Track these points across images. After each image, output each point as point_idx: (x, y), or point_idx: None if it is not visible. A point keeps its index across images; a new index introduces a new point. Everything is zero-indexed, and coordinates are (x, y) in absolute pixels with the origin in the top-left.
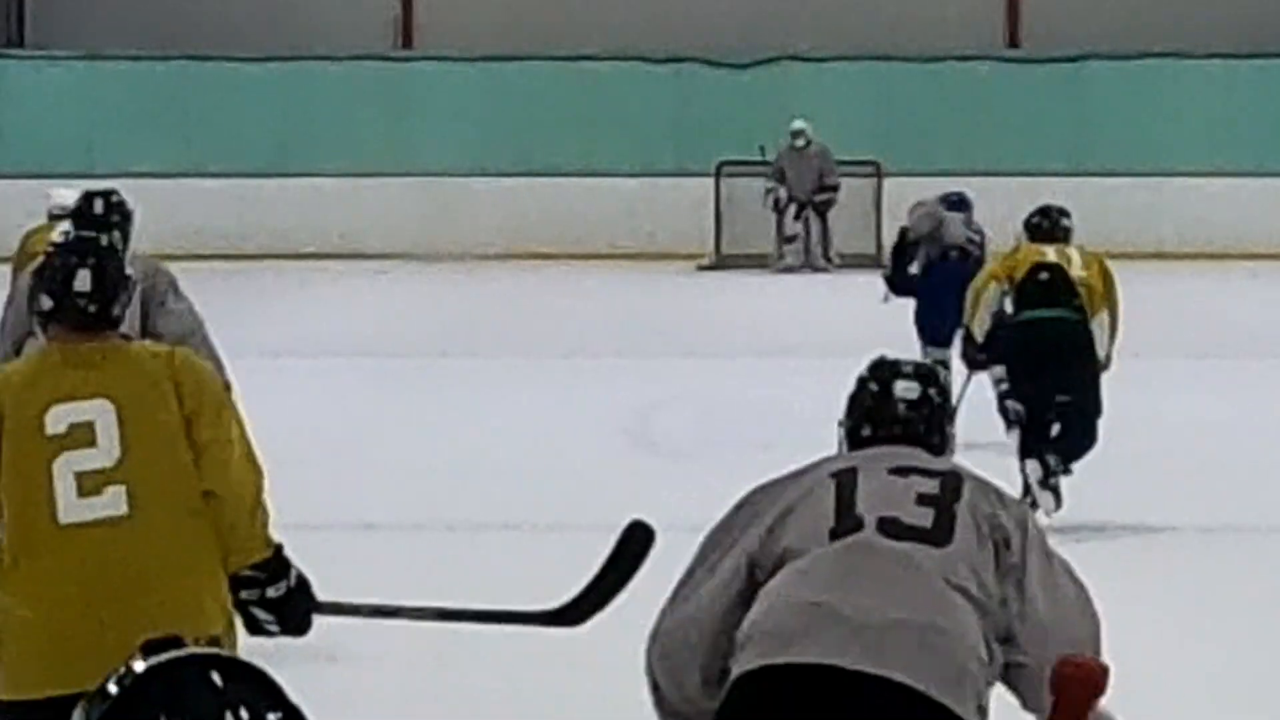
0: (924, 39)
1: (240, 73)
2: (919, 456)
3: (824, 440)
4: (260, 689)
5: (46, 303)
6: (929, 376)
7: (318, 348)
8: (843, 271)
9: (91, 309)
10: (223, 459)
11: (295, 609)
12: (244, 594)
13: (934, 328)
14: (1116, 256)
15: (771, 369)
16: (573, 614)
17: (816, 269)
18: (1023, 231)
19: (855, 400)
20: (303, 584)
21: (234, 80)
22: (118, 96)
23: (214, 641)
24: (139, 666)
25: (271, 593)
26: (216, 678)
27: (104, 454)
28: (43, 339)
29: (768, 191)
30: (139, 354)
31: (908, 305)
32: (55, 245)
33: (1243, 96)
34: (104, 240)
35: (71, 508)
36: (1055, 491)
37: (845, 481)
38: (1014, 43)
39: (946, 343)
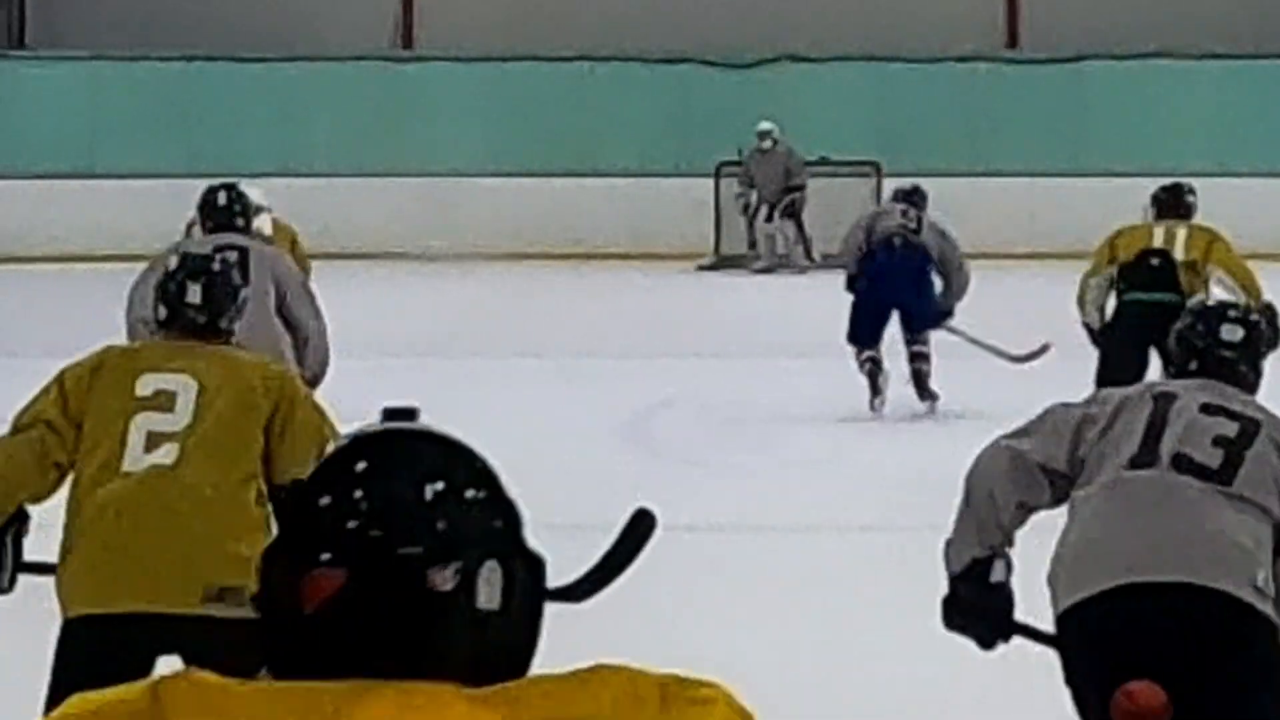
0: (923, 39)
1: (241, 73)
2: (1231, 396)
3: (823, 440)
4: (476, 474)
5: (162, 311)
6: (1250, 321)
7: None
8: (831, 271)
9: (201, 320)
10: (310, 435)
11: None
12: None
13: (874, 309)
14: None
15: (771, 369)
16: (577, 591)
17: (795, 269)
18: (1149, 204)
19: (1182, 338)
20: None
21: (234, 81)
22: (119, 97)
23: (220, 594)
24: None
25: None
26: (428, 450)
27: (175, 420)
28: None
29: (738, 196)
30: (242, 359)
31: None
32: (173, 260)
33: (1242, 97)
34: (217, 261)
35: (134, 460)
36: None
37: (1160, 408)
38: (1013, 43)
39: (873, 342)
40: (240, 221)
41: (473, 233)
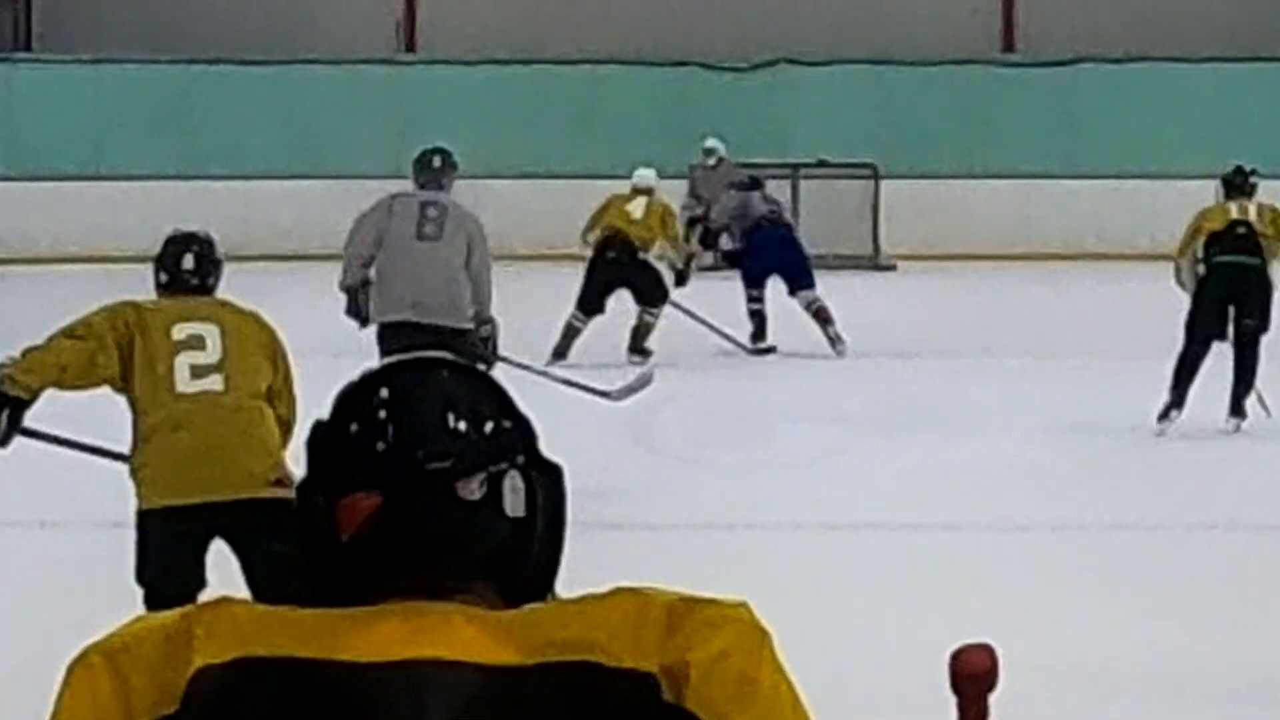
0: (920, 43)
1: (244, 76)
2: None
3: (821, 438)
4: (489, 394)
5: (163, 277)
6: None
7: (320, 347)
8: (840, 272)
9: (194, 282)
10: (288, 390)
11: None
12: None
13: (760, 272)
14: (1110, 258)
15: (770, 368)
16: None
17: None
18: (1219, 185)
19: None
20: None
21: (238, 83)
22: (124, 100)
23: (281, 481)
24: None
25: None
26: (445, 375)
27: (209, 355)
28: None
29: (683, 208)
30: (238, 306)
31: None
32: (168, 238)
33: (1234, 100)
34: (202, 233)
35: (185, 384)
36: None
37: None
38: (1009, 47)
39: (761, 283)
40: (445, 181)
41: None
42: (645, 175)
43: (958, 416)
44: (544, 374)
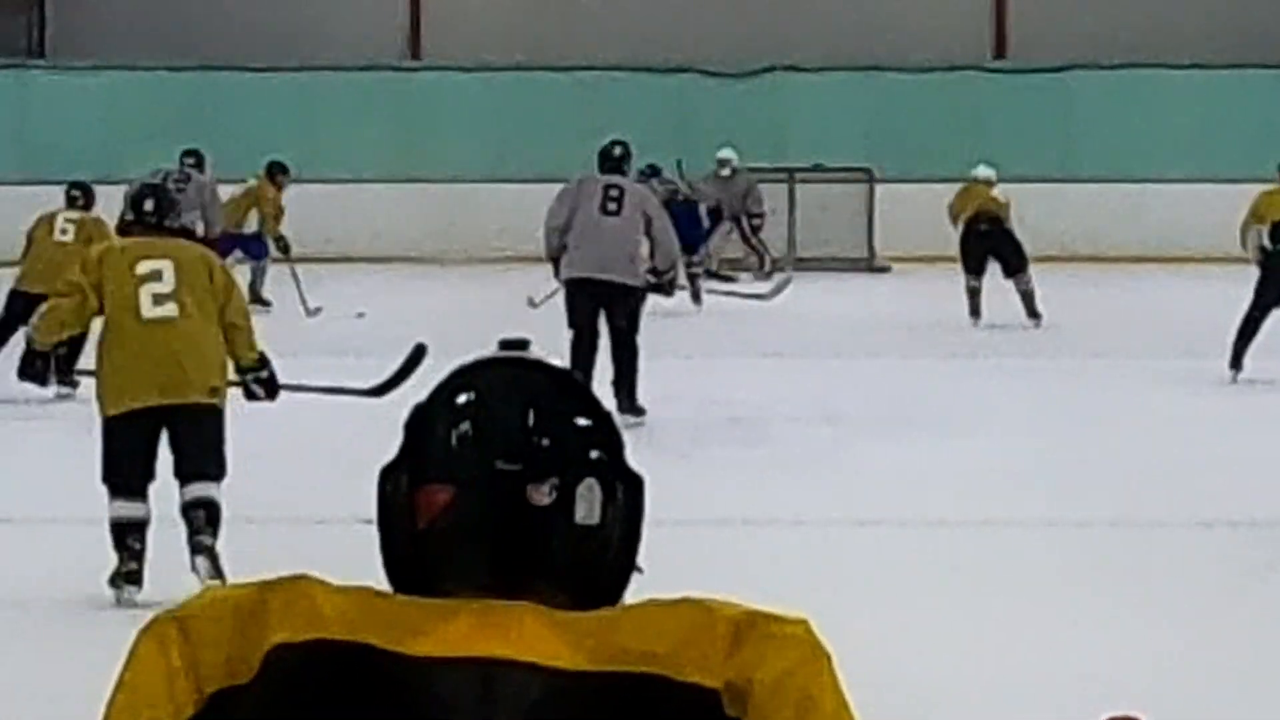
0: (914, 50)
1: (255, 82)
2: None
3: (817, 436)
4: (576, 400)
5: (130, 215)
6: None
7: (327, 347)
8: (836, 274)
9: (153, 220)
10: (238, 307)
11: (272, 384)
12: (247, 376)
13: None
14: (1101, 260)
15: (767, 368)
16: (381, 391)
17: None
18: (1277, 173)
19: None
20: (273, 373)
21: (249, 89)
22: (137, 105)
23: (215, 390)
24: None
25: (263, 375)
26: (535, 377)
27: (166, 285)
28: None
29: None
30: (192, 247)
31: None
32: (139, 186)
33: (1222, 105)
34: (167, 181)
35: (148, 311)
36: None
37: None
38: (1001, 54)
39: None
40: (625, 166)
41: (479, 236)
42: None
43: (951, 415)
44: (712, 290)
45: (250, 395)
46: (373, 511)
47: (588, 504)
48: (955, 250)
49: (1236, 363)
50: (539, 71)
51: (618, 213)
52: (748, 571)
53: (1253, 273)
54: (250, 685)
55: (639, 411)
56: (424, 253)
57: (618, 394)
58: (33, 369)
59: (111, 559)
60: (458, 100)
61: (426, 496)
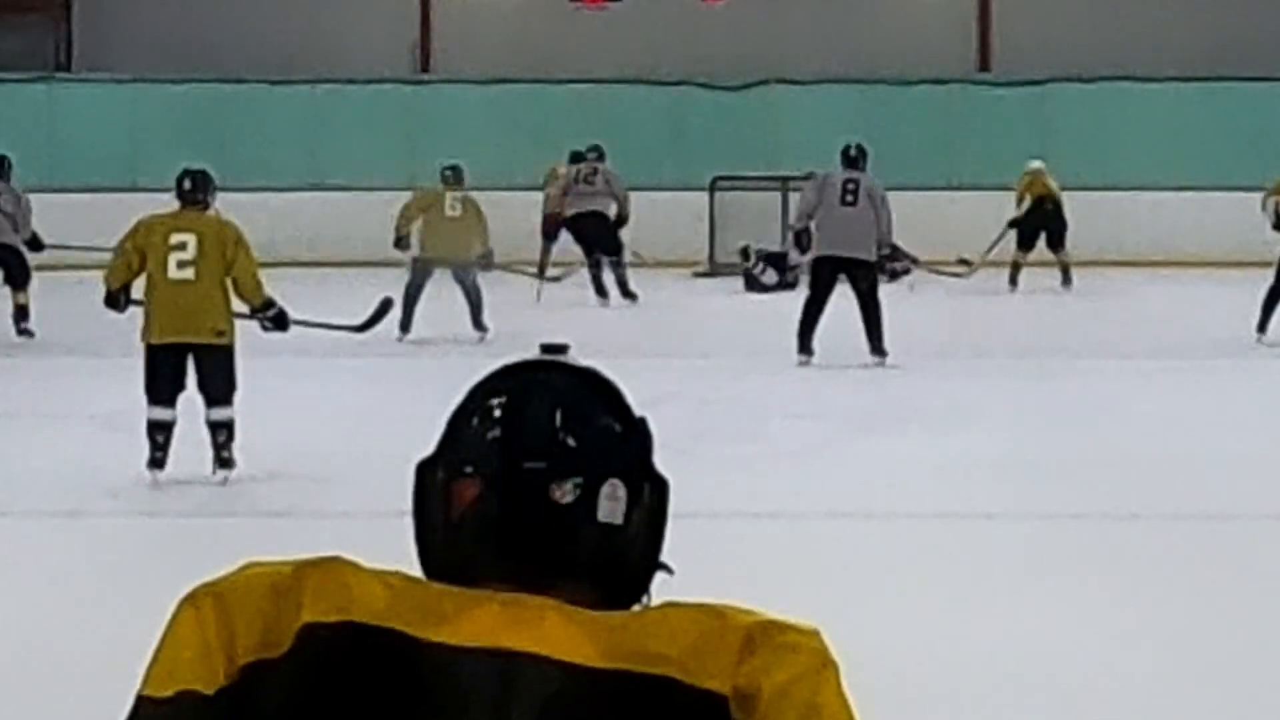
0: (901, 63)
1: (271, 95)
2: None
3: (812, 433)
4: (606, 402)
5: (177, 191)
6: None
7: (337, 349)
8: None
9: (193, 197)
10: (244, 267)
11: (281, 320)
12: (258, 315)
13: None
14: (1080, 264)
15: (763, 367)
16: (361, 329)
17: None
18: None
19: None
20: (282, 310)
21: (265, 102)
22: (158, 117)
23: (220, 332)
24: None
25: (270, 313)
26: (566, 380)
27: (189, 254)
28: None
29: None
30: (213, 219)
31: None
32: (183, 173)
33: (1195, 116)
34: (198, 168)
35: (173, 273)
36: None
37: None
38: (984, 67)
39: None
40: (861, 164)
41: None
42: None
43: (938, 413)
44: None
45: (265, 328)
46: (401, 503)
47: (611, 504)
48: (940, 255)
49: (1262, 328)
50: (543, 84)
51: (854, 203)
52: (743, 560)
53: (1225, 275)
54: (281, 660)
55: (883, 354)
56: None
57: (870, 340)
58: (113, 305)
59: (145, 451)
60: (465, 112)
61: (460, 489)
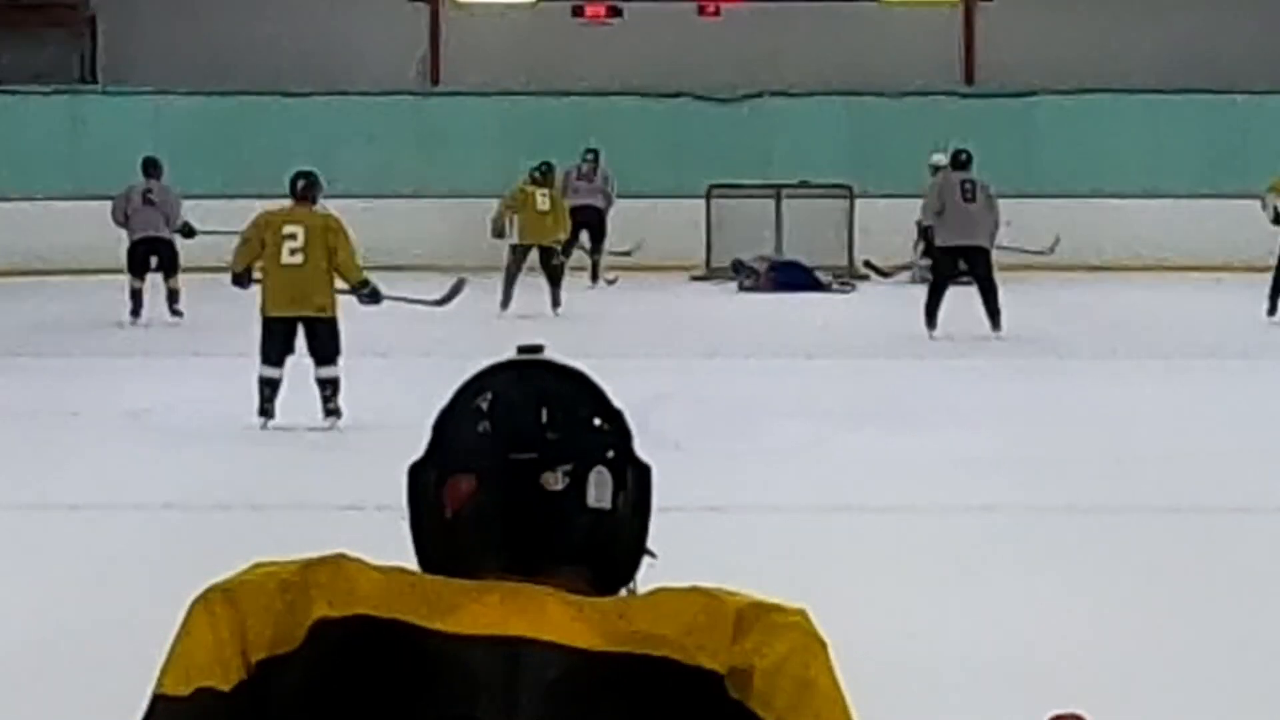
0: (889, 77)
1: (289, 106)
2: None
3: (803, 430)
4: (587, 396)
5: (291, 190)
6: None
7: (349, 349)
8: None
9: (303, 195)
10: (343, 253)
11: (375, 295)
12: (355, 292)
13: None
14: (1061, 269)
15: (757, 367)
16: (441, 303)
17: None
18: None
19: None
20: (375, 288)
21: (283, 113)
22: (179, 127)
23: (323, 307)
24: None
25: (365, 290)
26: (548, 376)
27: (298, 243)
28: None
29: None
30: (318, 214)
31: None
32: (296, 174)
33: (1172, 128)
34: (307, 170)
35: (285, 259)
36: None
37: None
38: (969, 81)
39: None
40: (970, 167)
41: (494, 247)
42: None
43: (920, 411)
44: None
45: (362, 301)
46: (399, 501)
47: (598, 489)
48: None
49: (1272, 310)
50: (547, 97)
51: (973, 199)
52: (736, 552)
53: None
54: (294, 655)
55: (999, 325)
56: (442, 261)
57: (989, 316)
58: (238, 283)
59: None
60: (472, 122)
61: (453, 487)
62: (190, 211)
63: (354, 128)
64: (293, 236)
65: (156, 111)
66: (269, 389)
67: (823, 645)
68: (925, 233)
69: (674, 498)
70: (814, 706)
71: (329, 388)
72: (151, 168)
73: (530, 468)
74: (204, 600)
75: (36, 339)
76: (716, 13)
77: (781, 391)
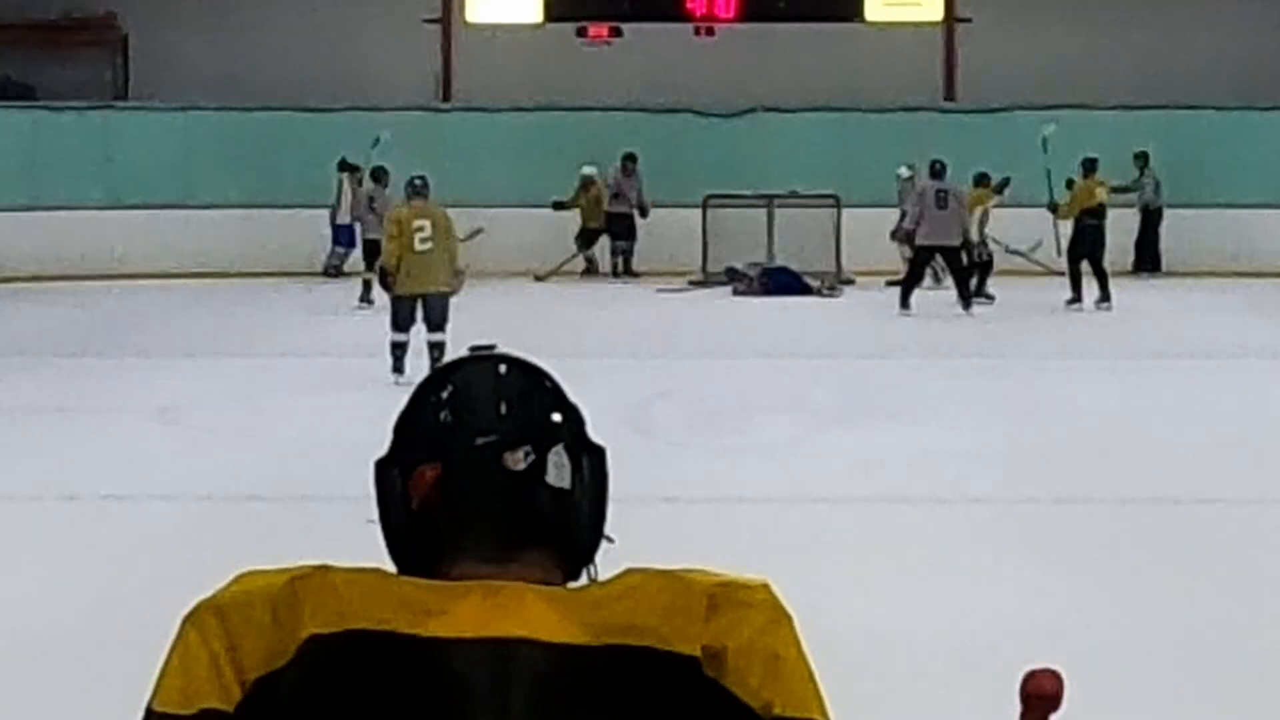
0: (875, 93)
1: (308, 121)
2: None
3: (795, 427)
4: (540, 387)
5: (409, 190)
6: None
7: (364, 349)
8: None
9: (422, 192)
10: (453, 242)
11: (459, 275)
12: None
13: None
14: (1037, 273)
15: (752, 367)
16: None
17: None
18: None
19: None
20: (460, 269)
21: (303, 127)
22: (207, 141)
23: (445, 284)
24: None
25: (462, 271)
26: (502, 369)
27: (427, 233)
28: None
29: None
30: (439, 209)
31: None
32: (412, 177)
33: (1141, 141)
34: (421, 174)
35: (417, 247)
36: None
37: None
38: (951, 96)
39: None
40: (945, 175)
41: (503, 255)
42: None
43: (905, 408)
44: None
45: (457, 274)
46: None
47: (557, 469)
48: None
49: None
50: (554, 112)
51: (945, 206)
52: (732, 541)
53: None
54: (287, 670)
55: (969, 307)
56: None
57: (960, 299)
58: (382, 280)
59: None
60: (482, 137)
61: (419, 477)
62: (219, 222)
63: (370, 141)
64: (422, 229)
65: (185, 126)
66: (400, 350)
67: (789, 618)
68: (909, 236)
69: (675, 490)
70: (784, 678)
71: (437, 350)
72: (380, 175)
73: (492, 450)
74: (195, 618)
75: (69, 340)
76: (711, 33)
77: (773, 390)
